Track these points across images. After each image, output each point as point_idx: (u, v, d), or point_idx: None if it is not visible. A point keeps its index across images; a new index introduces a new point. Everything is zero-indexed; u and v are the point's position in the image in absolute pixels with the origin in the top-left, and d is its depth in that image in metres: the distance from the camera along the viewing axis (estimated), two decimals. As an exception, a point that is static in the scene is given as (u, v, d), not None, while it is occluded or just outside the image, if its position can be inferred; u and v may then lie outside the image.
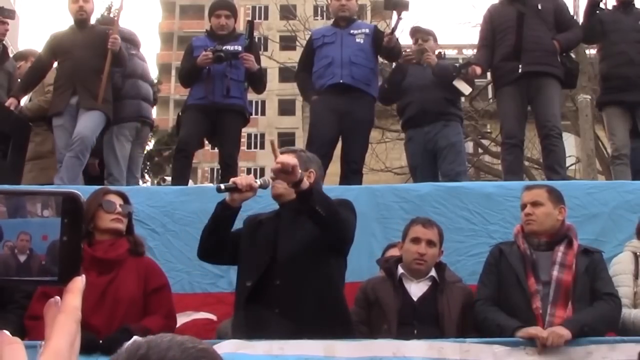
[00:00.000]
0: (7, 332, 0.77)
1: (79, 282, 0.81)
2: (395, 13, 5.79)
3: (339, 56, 5.76)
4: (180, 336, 1.13)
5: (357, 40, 5.85)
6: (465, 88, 5.65)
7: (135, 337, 1.13)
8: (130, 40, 6.42)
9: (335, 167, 5.83)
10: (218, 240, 3.55)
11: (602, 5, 6.12)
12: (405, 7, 5.77)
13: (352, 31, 5.90)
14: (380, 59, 6.35)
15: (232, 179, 3.46)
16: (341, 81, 5.69)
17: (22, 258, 0.82)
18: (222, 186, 3.42)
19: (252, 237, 3.57)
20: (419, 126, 6.00)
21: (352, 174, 5.71)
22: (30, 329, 3.45)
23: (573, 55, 6.59)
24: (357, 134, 5.79)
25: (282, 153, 3.66)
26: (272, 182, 3.51)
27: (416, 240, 3.79)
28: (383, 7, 6.15)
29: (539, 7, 5.82)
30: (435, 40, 6.24)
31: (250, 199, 3.48)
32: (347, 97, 5.68)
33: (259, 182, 3.46)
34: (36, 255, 0.81)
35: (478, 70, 5.68)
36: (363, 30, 5.95)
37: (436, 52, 6.19)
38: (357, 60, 5.76)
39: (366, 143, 5.89)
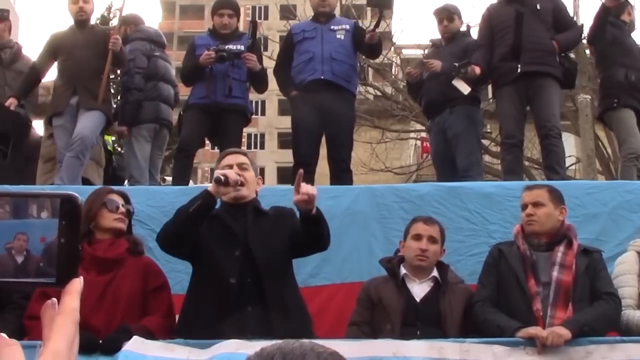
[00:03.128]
0: (4, 335, 0.77)
1: (77, 284, 0.81)
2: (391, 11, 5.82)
3: (319, 52, 5.72)
4: (304, 340, 1.12)
5: (338, 36, 5.82)
6: (464, 88, 5.66)
7: (262, 347, 1.12)
8: (156, 42, 6.45)
9: (324, 167, 5.82)
10: (191, 232, 3.48)
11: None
12: (387, 5, 5.80)
13: (332, 27, 5.87)
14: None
15: (223, 172, 3.46)
16: (322, 77, 5.66)
17: (19, 259, 0.82)
18: (222, 178, 3.40)
19: (214, 233, 3.52)
20: (431, 118, 6.24)
21: (342, 172, 5.70)
22: (29, 328, 3.45)
23: (573, 55, 6.60)
24: (341, 132, 5.77)
25: (229, 154, 3.73)
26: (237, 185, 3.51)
27: (417, 237, 3.80)
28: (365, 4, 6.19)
29: (538, 7, 5.83)
30: (459, 17, 6.26)
31: None
32: (328, 94, 5.64)
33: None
34: (33, 257, 0.81)
35: (477, 70, 5.68)
36: (343, 26, 5.92)
37: (462, 29, 6.28)
38: (338, 56, 5.73)
39: (351, 140, 5.89)
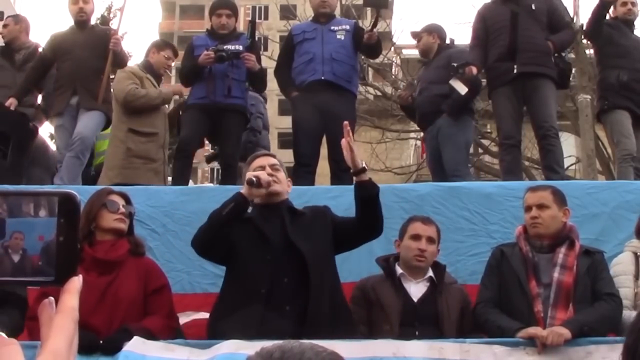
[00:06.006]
0: (3, 334, 0.76)
1: (76, 282, 0.81)
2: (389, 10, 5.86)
3: (320, 52, 5.73)
4: (304, 341, 1.14)
5: (338, 36, 5.83)
6: (461, 88, 5.66)
7: (262, 346, 1.13)
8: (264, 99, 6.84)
9: (324, 167, 5.81)
10: (224, 234, 3.49)
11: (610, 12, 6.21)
12: (383, 4, 5.83)
13: (332, 27, 5.88)
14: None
15: (254, 173, 3.50)
16: (322, 78, 5.66)
17: (16, 257, 0.82)
18: (254, 179, 3.44)
19: (245, 236, 3.51)
20: (424, 128, 6.32)
21: (342, 172, 5.67)
22: (31, 329, 3.44)
23: (573, 55, 6.61)
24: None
25: (259, 156, 3.80)
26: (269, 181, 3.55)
27: (416, 237, 3.80)
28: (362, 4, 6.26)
29: (533, 7, 5.82)
30: (429, 33, 6.31)
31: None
32: (329, 94, 5.65)
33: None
34: (29, 255, 0.81)
35: (474, 70, 5.68)
36: (343, 27, 5.93)
37: (447, 41, 6.35)
38: (338, 56, 5.73)
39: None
